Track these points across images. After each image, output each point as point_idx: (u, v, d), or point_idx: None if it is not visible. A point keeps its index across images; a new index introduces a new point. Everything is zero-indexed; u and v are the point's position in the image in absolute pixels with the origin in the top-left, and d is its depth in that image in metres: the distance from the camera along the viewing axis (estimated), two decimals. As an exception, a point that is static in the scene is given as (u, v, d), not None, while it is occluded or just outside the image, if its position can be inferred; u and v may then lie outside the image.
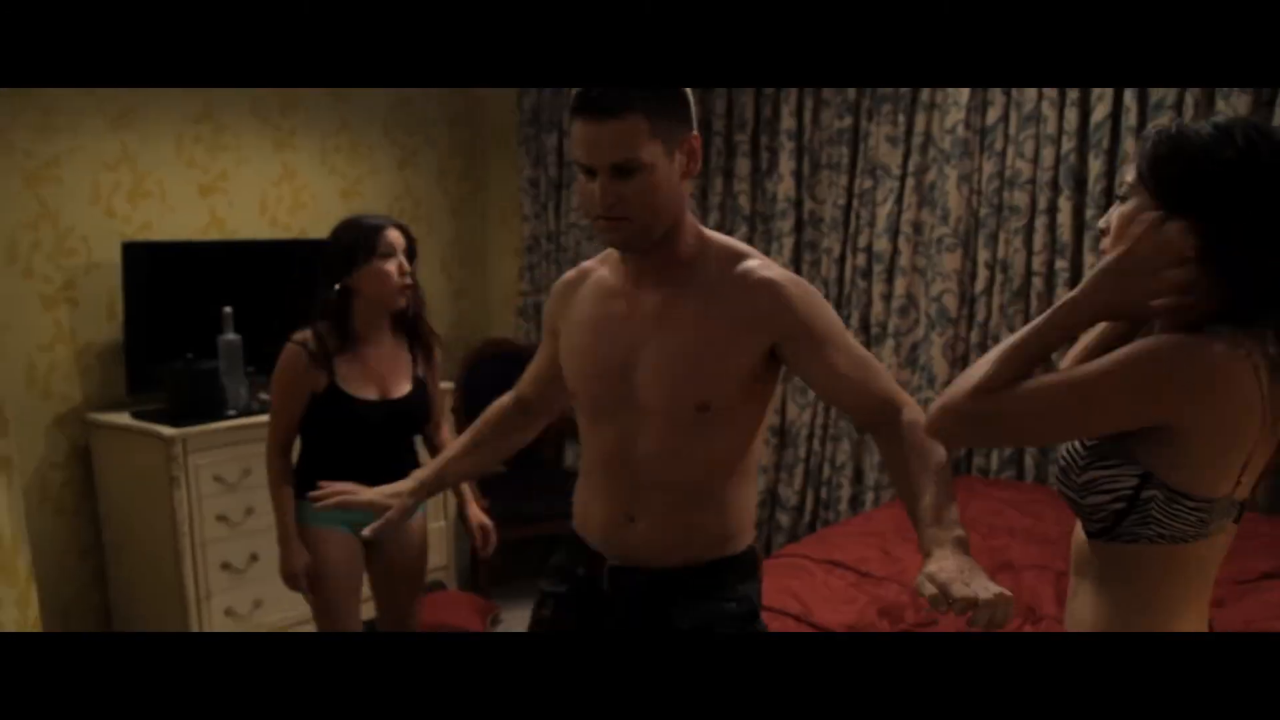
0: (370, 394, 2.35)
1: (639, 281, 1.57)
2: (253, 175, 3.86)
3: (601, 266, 1.66)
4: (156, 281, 3.40)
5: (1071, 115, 3.34)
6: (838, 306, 3.93)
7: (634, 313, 1.56)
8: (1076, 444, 1.28)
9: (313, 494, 1.87)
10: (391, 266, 2.28)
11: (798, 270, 4.05)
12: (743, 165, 4.12)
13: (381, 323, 2.38)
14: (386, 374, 2.39)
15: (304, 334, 2.32)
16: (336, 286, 2.30)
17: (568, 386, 1.65)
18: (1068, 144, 3.35)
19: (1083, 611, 1.30)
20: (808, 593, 2.49)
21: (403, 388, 2.41)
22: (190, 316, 3.45)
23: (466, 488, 2.56)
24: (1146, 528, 1.21)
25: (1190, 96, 3.13)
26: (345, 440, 2.37)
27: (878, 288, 3.80)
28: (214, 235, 3.74)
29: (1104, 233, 1.28)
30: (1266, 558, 2.58)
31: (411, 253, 2.36)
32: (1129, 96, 3.23)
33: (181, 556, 3.12)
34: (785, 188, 4.00)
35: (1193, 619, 1.26)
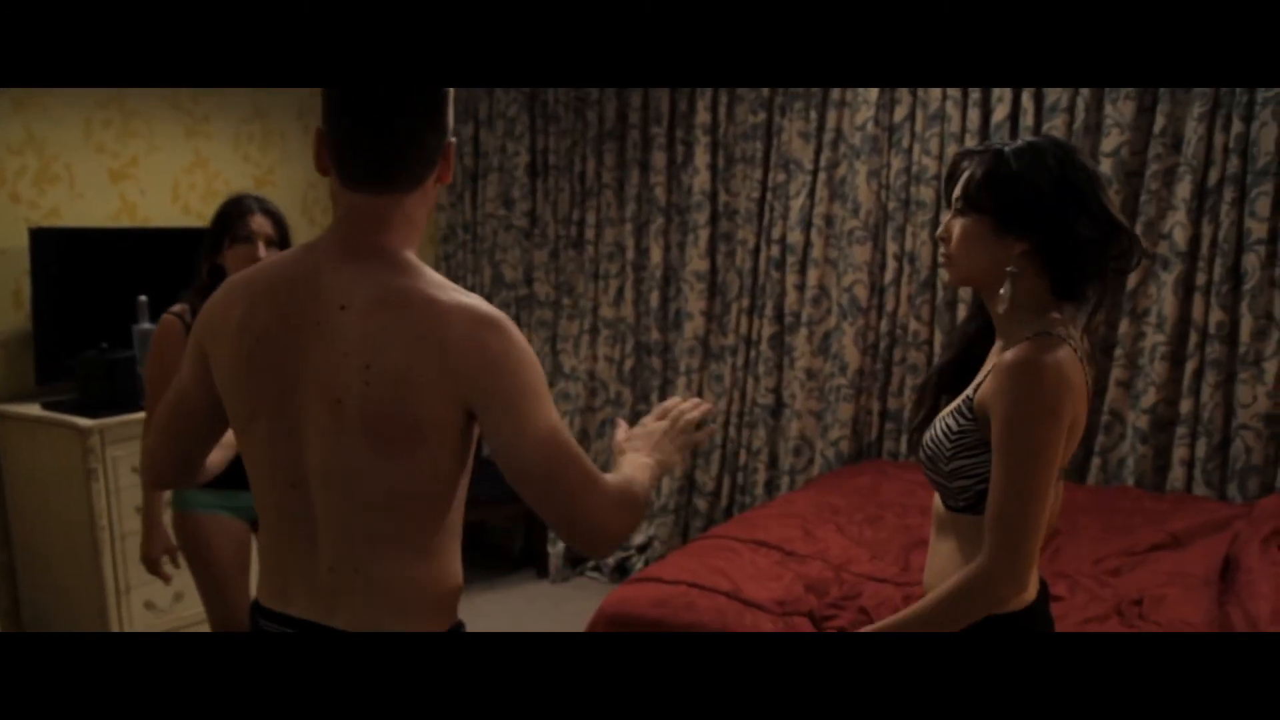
0: None
1: None
2: (164, 162, 3.78)
3: None
4: (66, 269, 3.32)
5: (974, 115, 3.52)
6: (752, 297, 4.06)
7: None
8: (940, 437, 1.44)
9: None
10: (247, 252, 2.35)
11: (713, 262, 4.16)
12: (659, 159, 4.21)
13: None
14: None
15: (180, 306, 2.39)
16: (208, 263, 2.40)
17: None
18: (970, 141, 3.52)
19: (945, 569, 1.47)
20: (736, 571, 2.59)
21: None
22: (101, 305, 3.37)
23: None
24: None
25: (1081, 100, 3.34)
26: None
27: (791, 278, 3.93)
28: (125, 222, 3.65)
29: (943, 240, 1.47)
30: (1152, 531, 2.79)
31: (281, 239, 2.42)
32: (1026, 98, 3.42)
33: (100, 549, 3.06)
34: (701, 181, 4.10)
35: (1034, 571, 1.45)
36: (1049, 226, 1.37)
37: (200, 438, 1.43)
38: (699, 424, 1.48)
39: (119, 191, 3.64)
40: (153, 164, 3.74)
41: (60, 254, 3.29)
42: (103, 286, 3.39)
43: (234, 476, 2.39)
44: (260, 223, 2.38)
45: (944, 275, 3.60)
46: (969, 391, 1.44)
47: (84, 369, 3.20)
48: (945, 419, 1.46)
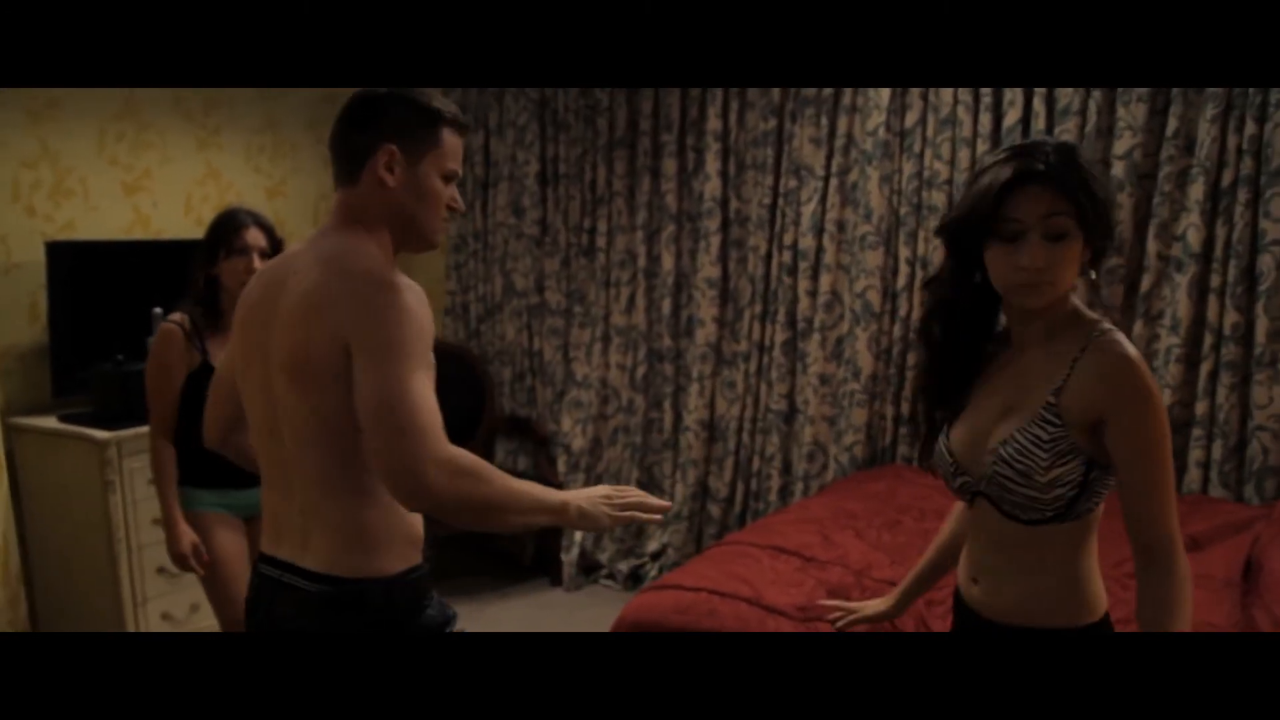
0: None
1: None
2: (177, 174, 3.79)
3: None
4: (82, 282, 3.33)
5: (985, 119, 3.51)
6: (764, 303, 4.06)
7: None
8: (1030, 448, 1.38)
9: None
10: (242, 264, 2.45)
11: (725, 268, 4.16)
12: (669, 165, 4.22)
13: None
14: None
15: (178, 315, 2.49)
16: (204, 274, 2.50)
17: None
18: (982, 146, 3.53)
19: (1038, 589, 1.43)
20: (756, 577, 2.59)
21: None
22: (116, 317, 3.38)
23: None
24: (1090, 500, 1.41)
25: (1093, 103, 3.33)
26: None
27: (803, 284, 3.93)
28: (139, 235, 3.66)
29: (1040, 269, 1.34)
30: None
31: (274, 250, 2.50)
32: (1038, 101, 3.42)
33: (117, 561, 3.07)
34: (712, 187, 4.11)
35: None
36: (1109, 230, 1.41)
37: (236, 401, 1.65)
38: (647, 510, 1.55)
39: (133, 204, 3.65)
40: (165, 176, 3.75)
41: (75, 267, 3.31)
42: (118, 299, 3.40)
43: (230, 475, 2.52)
44: (254, 235, 2.48)
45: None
46: (1049, 397, 1.39)
47: (100, 381, 3.21)
48: (1029, 430, 1.39)
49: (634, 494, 1.54)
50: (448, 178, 1.55)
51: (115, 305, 3.39)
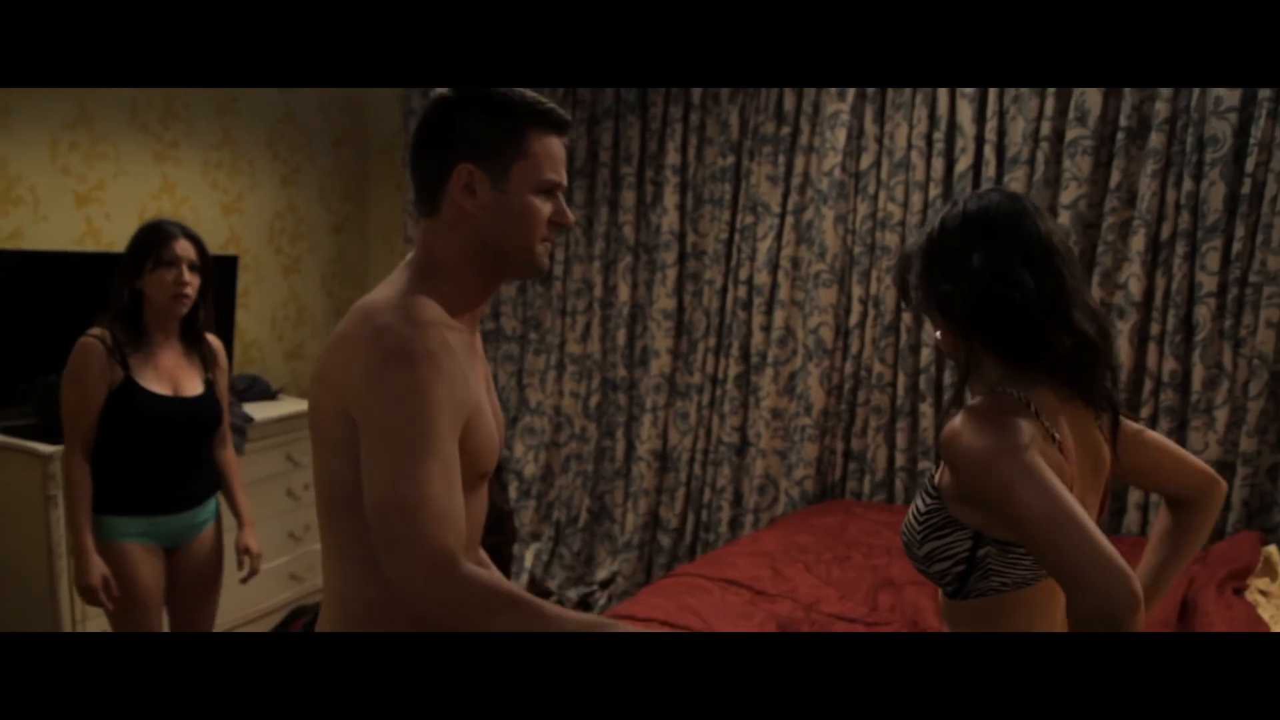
0: (164, 390, 2.39)
1: (473, 328, 1.38)
2: (131, 186, 3.74)
3: (442, 317, 1.26)
4: (28, 292, 3.26)
5: (938, 164, 3.61)
6: (719, 336, 4.11)
7: (481, 366, 1.40)
8: (911, 520, 1.38)
9: None
10: (171, 276, 2.35)
11: (681, 301, 4.20)
12: (628, 197, 4.26)
13: (171, 326, 2.44)
14: (178, 374, 2.43)
15: (99, 330, 2.36)
16: (127, 288, 2.37)
17: (474, 469, 1.29)
18: (934, 190, 3.62)
19: None
20: (707, 609, 2.61)
21: (195, 388, 2.46)
22: (64, 329, 3.30)
23: (245, 512, 2.62)
24: (988, 580, 1.31)
25: (1041, 154, 3.44)
26: (141, 438, 2.37)
27: (757, 319, 3.99)
28: (90, 246, 3.60)
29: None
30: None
31: (202, 265, 2.42)
32: (988, 150, 3.53)
33: (58, 579, 2.99)
34: (669, 221, 4.16)
35: None
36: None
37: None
38: None
39: (84, 215, 3.60)
40: (119, 188, 3.70)
41: (22, 277, 3.24)
42: (66, 311, 3.32)
43: (156, 501, 2.41)
44: (184, 247, 2.37)
45: (907, 319, 3.69)
46: (931, 467, 1.43)
47: (43, 393, 3.13)
48: (916, 500, 1.40)
49: None
50: (545, 190, 1.30)
51: (63, 317, 3.31)
